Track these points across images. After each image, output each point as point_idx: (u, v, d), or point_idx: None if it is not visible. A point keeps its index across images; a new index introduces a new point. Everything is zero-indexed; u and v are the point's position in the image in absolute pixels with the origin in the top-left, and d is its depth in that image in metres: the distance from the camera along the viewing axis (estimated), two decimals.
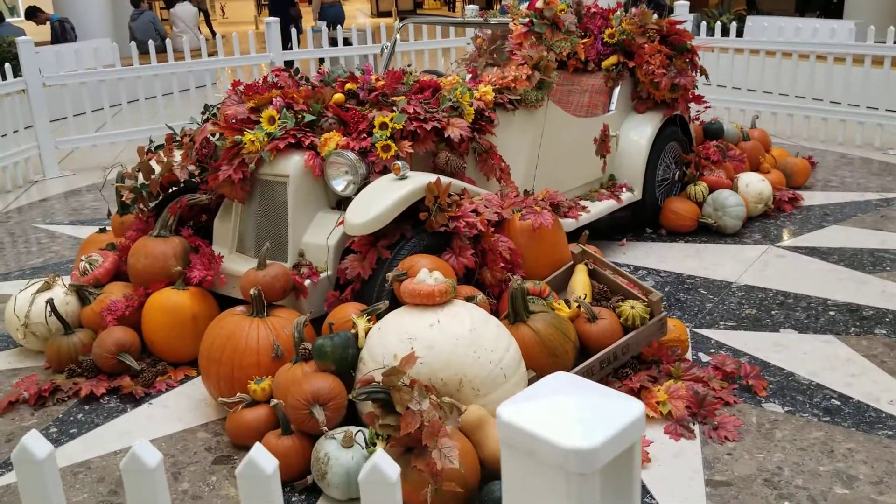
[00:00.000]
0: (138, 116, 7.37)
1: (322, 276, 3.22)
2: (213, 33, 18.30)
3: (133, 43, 7.37)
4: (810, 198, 5.42)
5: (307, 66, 8.23)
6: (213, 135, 3.54)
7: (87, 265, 3.63)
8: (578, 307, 3.09)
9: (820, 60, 7.01)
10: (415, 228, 3.14)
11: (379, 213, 2.99)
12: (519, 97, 3.87)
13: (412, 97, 3.56)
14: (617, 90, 4.70)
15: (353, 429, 2.57)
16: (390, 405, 2.34)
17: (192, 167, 3.65)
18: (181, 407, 3.15)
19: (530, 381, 2.74)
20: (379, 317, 2.87)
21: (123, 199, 3.74)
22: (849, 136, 6.88)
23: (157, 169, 3.61)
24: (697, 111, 5.35)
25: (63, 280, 3.68)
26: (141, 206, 3.72)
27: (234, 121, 3.40)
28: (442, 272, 2.89)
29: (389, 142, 3.25)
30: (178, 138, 3.79)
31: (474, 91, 3.71)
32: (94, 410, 3.15)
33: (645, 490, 2.53)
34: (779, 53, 7.25)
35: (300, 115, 3.38)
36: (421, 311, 2.70)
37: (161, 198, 3.75)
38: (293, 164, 3.30)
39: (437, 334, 2.61)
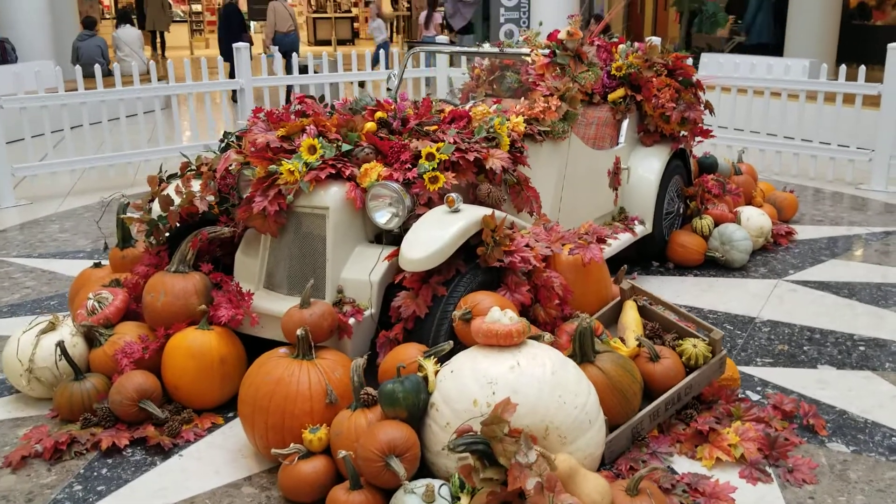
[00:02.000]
0: (82, 144, 7.00)
1: (366, 314, 3.03)
2: (164, 56, 17.85)
3: (78, 66, 6.97)
4: (801, 232, 5.49)
5: (276, 93, 8.00)
6: (238, 164, 3.33)
7: (96, 303, 3.34)
8: (639, 346, 2.98)
9: (792, 99, 7.18)
10: (467, 264, 3.00)
11: (440, 248, 2.84)
12: (548, 128, 3.78)
13: (447, 127, 3.42)
14: (625, 123, 4.67)
15: (435, 482, 2.39)
16: (490, 457, 2.18)
17: (210, 198, 3.43)
18: (217, 459, 2.90)
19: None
20: (442, 359, 2.71)
21: (136, 231, 3.47)
22: (820, 171, 7.05)
23: (176, 199, 3.37)
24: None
25: (64, 320, 3.37)
26: (153, 239, 3.45)
27: (266, 149, 3.19)
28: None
29: (438, 173, 3.11)
30: (194, 167, 3.55)
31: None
32: (119, 464, 2.87)
33: None
34: (751, 91, 7.40)
35: (338, 145, 3.20)
36: (497, 352, 2.55)
37: (173, 231, 3.50)
38: (333, 196, 3.11)
39: (519, 378, 2.46)
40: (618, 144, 4.63)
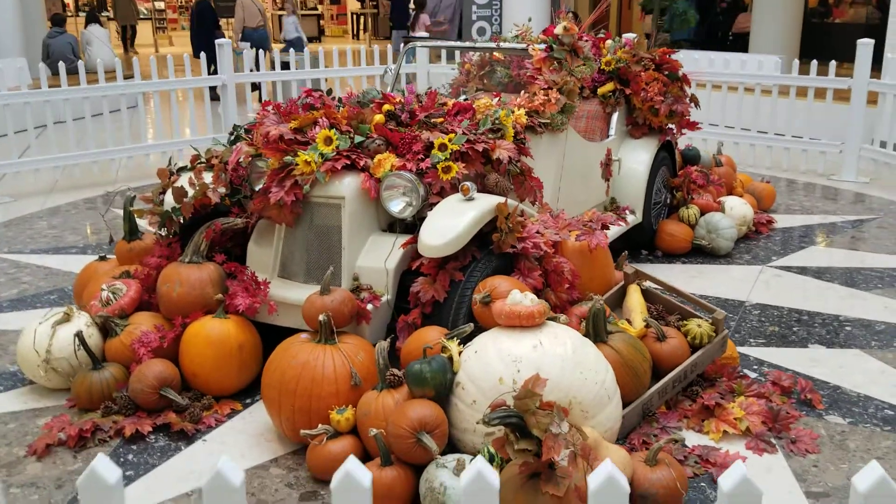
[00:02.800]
0: (65, 140, 6.97)
1: (382, 300, 3.12)
2: (134, 51, 17.68)
3: (61, 63, 6.90)
4: (779, 220, 5.68)
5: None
6: (251, 156, 3.39)
7: (111, 294, 3.38)
8: (647, 326, 3.11)
9: (765, 94, 7.40)
10: (481, 250, 3.10)
11: (457, 235, 2.94)
12: (548, 120, 3.90)
13: (452, 119, 3.52)
14: (615, 116, 4.81)
15: (465, 456, 2.48)
16: (523, 429, 2.28)
17: (222, 190, 3.48)
18: (241, 442, 2.97)
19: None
20: (463, 340, 2.81)
21: (149, 222, 3.51)
22: (793, 163, 7.27)
23: (190, 191, 3.42)
24: None
25: (77, 311, 3.40)
26: (165, 230, 3.50)
27: (279, 141, 3.26)
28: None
29: (451, 163, 3.20)
30: (204, 159, 3.60)
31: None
32: (145, 450, 2.92)
33: None
34: (725, 86, 7.61)
35: (350, 137, 3.28)
36: (519, 332, 2.65)
37: (186, 222, 3.55)
38: (348, 186, 3.19)
39: (542, 356, 2.57)
40: (608, 137, 4.77)
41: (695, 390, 3.10)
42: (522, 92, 3.97)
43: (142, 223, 3.90)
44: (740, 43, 14.62)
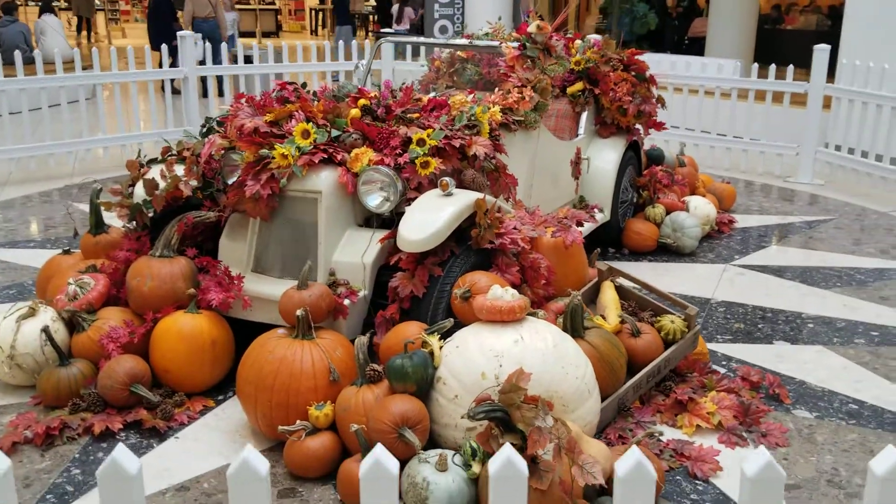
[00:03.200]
0: (20, 132, 6.79)
1: (359, 295, 3.10)
2: (90, 42, 17.32)
3: (17, 52, 6.71)
4: (740, 220, 5.79)
5: (219, 83, 7.91)
6: (224, 148, 3.34)
7: (78, 288, 3.30)
8: (622, 322, 3.15)
9: (724, 97, 7.53)
10: (459, 245, 3.10)
11: (437, 230, 2.93)
12: (521, 118, 3.92)
13: (428, 115, 3.51)
14: (584, 115, 4.85)
15: (447, 451, 2.48)
16: (508, 423, 2.29)
17: (194, 182, 3.42)
18: (215, 439, 2.92)
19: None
20: (443, 336, 2.81)
21: (118, 215, 3.44)
22: (750, 165, 7.42)
23: (161, 184, 3.35)
24: None
25: (42, 306, 3.32)
26: (134, 224, 3.43)
27: (254, 134, 3.22)
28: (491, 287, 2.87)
29: (429, 158, 3.20)
30: (175, 151, 3.54)
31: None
32: (115, 448, 2.85)
33: (727, 498, 2.61)
34: (686, 89, 7.73)
35: (328, 130, 3.26)
36: (500, 327, 2.66)
37: (156, 215, 3.48)
38: (325, 180, 3.17)
39: (523, 351, 2.58)
40: (577, 136, 4.81)
41: (668, 385, 3.15)
42: (497, 89, 3.99)
43: (108, 216, 3.81)
44: (696, 47, 14.88)
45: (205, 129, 3.59)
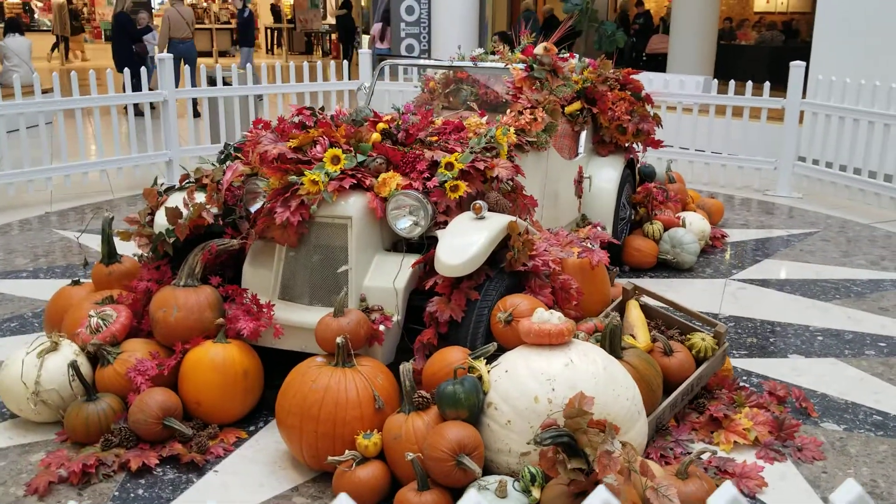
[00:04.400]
0: None
1: (393, 320, 3.08)
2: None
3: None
4: (729, 235, 5.90)
5: (199, 105, 7.80)
6: (245, 175, 3.31)
7: (100, 321, 3.22)
8: (653, 341, 3.18)
9: (702, 114, 7.69)
10: (492, 268, 3.10)
11: (476, 254, 2.93)
12: (535, 139, 3.95)
13: (448, 137, 3.52)
14: (583, 134, 4.91)
15: (505, 478, 2.48)
16: (573, 448, 2.30)
17: (214, 210, 3.38)
18: (255, 472, 2.87)
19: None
20: (488, 360, 2.80)
21: (138, 245, 3.37)
22: (729, 179, 7.58)
23: (185, 212, 3.30)
24: None
25: (62, 339, 3.23)
26: (155, 253, 3.37)
27: (280, 161, 3.19)
28: (533, 310, 2.88)
29: (458, 181, 3.20)
30: (193, 179, 3.49)
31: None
32: (154, 484, 2.79)
33: None
34: (663, 106, 7.86)
35: (354, 155, 3.24)
36: (548, 351, 2.67)
37: (177, 244, 3.42)
38: (355, 205, 3.15)
39: (575, 374, 2.59)
40: (577, 155, 4.86)
41: (701, 403, 3.18)
42: (508, 111, 4.01)
43: (121, 246, 3.73)
44: (654, 63, 15.17)
45: (223, 156, 3.54)
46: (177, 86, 7.62)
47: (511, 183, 3.64)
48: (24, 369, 3.05)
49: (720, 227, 6.05)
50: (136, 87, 7.14)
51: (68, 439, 3.02)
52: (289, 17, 27.77)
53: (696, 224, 5.38)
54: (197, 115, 8.87)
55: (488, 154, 3.55)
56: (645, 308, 3.47)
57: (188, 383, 3.06)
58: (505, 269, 3.11)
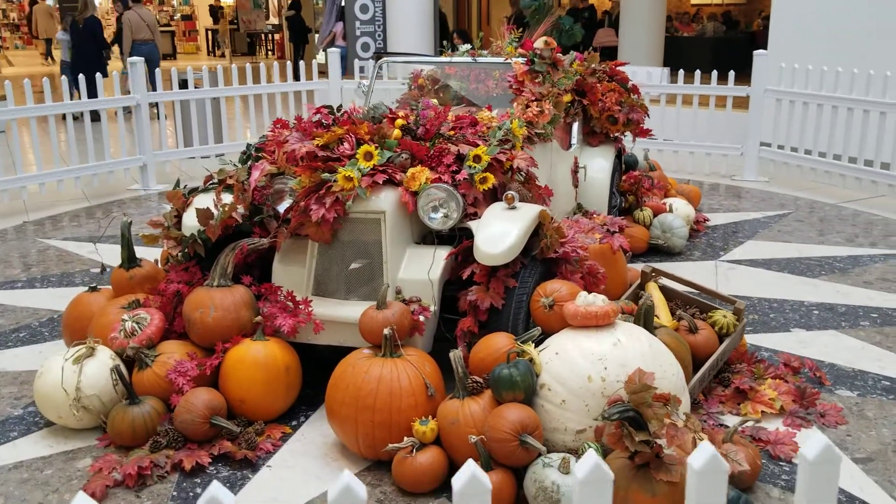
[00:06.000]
0: None
1: (431, 310, 3.16)
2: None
3: None
4: (711, 219, 6.12)
5: (170, 108, 7.72)
6: (272, 174, 3.34)
7: (135, 324, 3.21)
8: (679, 320, 3.32)
9: (670, 104, 7.92)
10: (524, 256, 3.20)
11: (514, 242, 3.03)
12: (542, 131, 4.06)
13: (465, 131, 3.60)
14: (575, 126, 5.04)
15: (567, 455, 2.57)
16: (638, 422, 2.40)
17: (241, 209, 3.39)
18: (308, 465, 2.91)
19: None
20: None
21: (167, 247, 3.36)
22: (697, 166, 7.82)
23: (215, 213, 3.31)
24: None
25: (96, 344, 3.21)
26: (183, 255, 3.37)
27: (310, 159, 3.23)
28: (573, 294, 2.99)
29: (487, 174, 3.29)
30: (217, 180, 3.49)
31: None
32: (210, 483, 2.80)
33: None
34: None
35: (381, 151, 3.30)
36: (594, 332, 2.78)
37: (209, 245, 3.42)
38: (388, 200, 3.21)
39: (624, 352, 2.70)
40: (571, 146, 4.99)
41: (725, 377, 3.33)
42: (515, 104, 4.11)
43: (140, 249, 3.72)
44: (603, 57, 15.50)
45: (245, 156, 3.55)
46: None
47: (524, 174, 3.74)
48: (64, 377, 3.03)
49: (699, 212, 6.26)
50: (92, 93, 7.00)
51: (112, 443, 3.02)
52: (230, 18, 27.37)
53: (682, 209, 5.56)
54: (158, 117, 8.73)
55: (505, 146, 3.64)
56: (664, 289, 3.61)
57: (231, 382, 3.08)
58: (537, 256, 3.21)
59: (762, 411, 3.17)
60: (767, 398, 3.20)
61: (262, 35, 26.67)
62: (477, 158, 3.31)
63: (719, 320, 3.37)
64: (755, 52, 7.30)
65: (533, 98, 4.16)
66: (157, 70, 7.99)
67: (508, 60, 4.38)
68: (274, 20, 26.61)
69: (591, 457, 1.45)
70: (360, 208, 3.21)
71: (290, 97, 8.26)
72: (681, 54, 15.01)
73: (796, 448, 2.93)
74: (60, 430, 3.15)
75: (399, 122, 3.57)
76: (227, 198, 3.40)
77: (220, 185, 3.46)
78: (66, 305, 4.29)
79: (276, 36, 26.38)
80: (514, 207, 3.19)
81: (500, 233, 3.06)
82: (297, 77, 8.21)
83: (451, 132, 3.59)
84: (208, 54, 28.93)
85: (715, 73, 7.55)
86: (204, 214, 3.28)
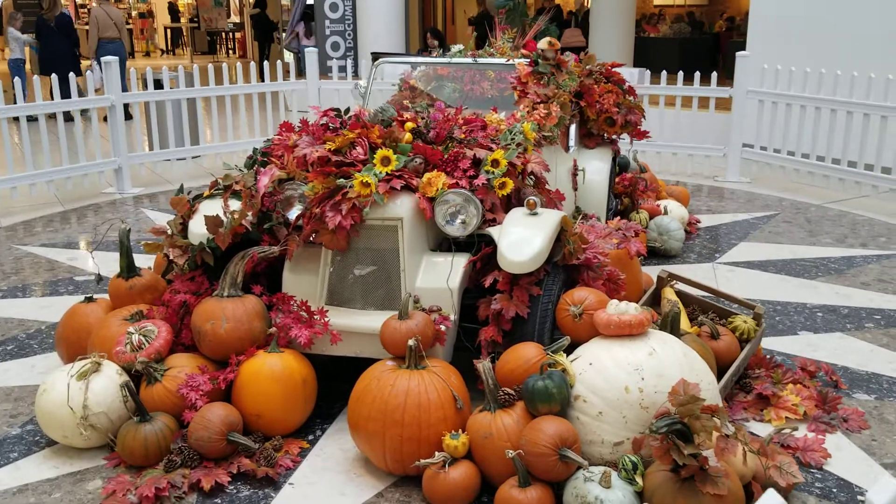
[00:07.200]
0: None
1: (452, 319, 3.07)
2: None
3: None
4: (701, 220, 6.12)
5: (143, 109, 7.51)
6: (280, 180, 3.23)
7: (143, 337, 3.07)
8: (700, 325, 3.28)
9: (652, 105, 7.92)
10: (547, 263, 3.12)
11: (540, 250, 2.95)
12: (550, 133, 3.99)
13: (476, 134, 3.52)
14: (573, 128, 4.99)
15: (608, 469, 2.51)
16: (684, 435, 2.35)
17: (249, 216, 3.27)
18: (331, 481, 2.81)
19: None
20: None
21: (174, 256, 3.22)
22: (680, 167, 7.84)
23: (224, 220, 3.18)
24: None
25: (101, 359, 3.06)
26: (190, 264, 3.23)
27: (322, 164, 3.12)
28: (601, 302, 2.93)
29: (506, 179, 3.21)
30: (222, 186, 3.36)
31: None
32: (233, 503, 2.69)
33: (848, 483, 2.77)
34: None
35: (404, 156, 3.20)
36: (628, 341, 2.72)
37: (217, 254, 3.28)
38: (405, 207, 3.11)
39: (660, 362, 2.65)
40: (569, 148, 4.93)
41: (746, 383, 3.30)
42: (521, 106, 4.04)
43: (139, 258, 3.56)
44: None
45: (251, 161, 3.42)
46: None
47: (534, 178, 3.68)
48: (69, 395, 2.88)
49: (690, 213, 6.26)
50: (66, 93, 6.77)
51: (122, 463, 2.88)
52: (190, 16, 26.90)
53: (675, 211, 5.55)
54: (128, 117, 8.45)
55: (518, 150, 3.57)
56: (680, 294, 3.57)
57: (246, 396, 2.96)
58: (558, 263, 3.14)
59: (786, 417, 3.15)
60: (791, 404, 3.17)
61: (223, 33, 26.27)
62: (495, 163, 3.23)
63: (740, 325, 3.34)
64: (738, 54, 7.34)
65: (538, 100, 4.10)
66: (133, 70, 7.76)
67: (511, 62, 4.31)
68: (235, 18, 26.22)
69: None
70: (377, 215, 3.10)
71: (268, 97, 8.09)
72: (647, 55, 15.14)
73: (826, 455, 2.90)
74: (64, 450, 2.99)
75: (409, 125, 3.47)
76: (235, 204, 3.27)
77: (227, 191, 3.32)
78: (53, 316, 4.18)
79: (238, 34, 25.99)
80: (535, 213, 3.12)
81: (524, 239, 2.98)
82: (261, 78, 8.05)
83: (463, 135, 3.50)
84: (166, 53, 28.37)
85: (697, 74, 7.57)
86: (213, 222, 3.15)
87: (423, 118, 3.52)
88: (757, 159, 7.45)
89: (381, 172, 3.09)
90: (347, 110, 3.55)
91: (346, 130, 3.28)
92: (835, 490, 2.73)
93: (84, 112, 8.64)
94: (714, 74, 7.54)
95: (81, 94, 6.91)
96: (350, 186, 3.06)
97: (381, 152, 3.11)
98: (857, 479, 2.79)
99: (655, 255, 5.23)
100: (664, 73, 7.80)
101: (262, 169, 3.31)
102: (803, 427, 3.12)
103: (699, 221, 5.96)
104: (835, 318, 4.23)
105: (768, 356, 3.52)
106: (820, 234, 5.77)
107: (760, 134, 7.40)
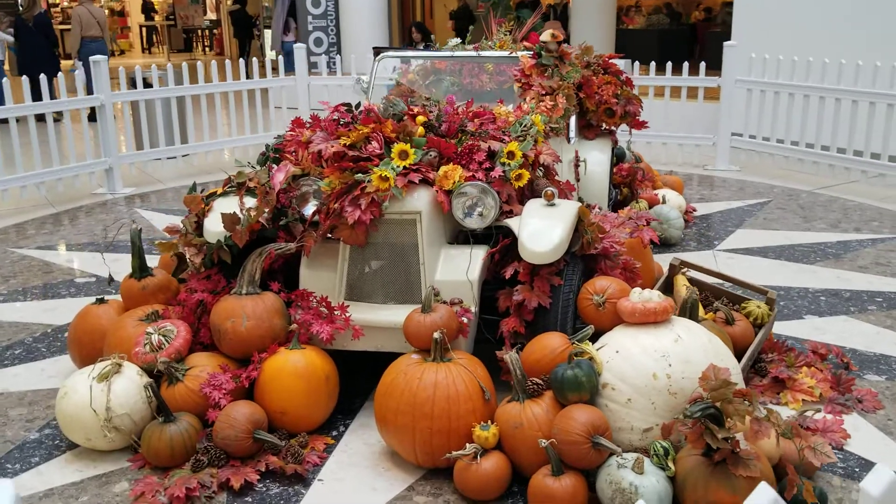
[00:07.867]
0: None
1: (473, 311, 3.08)
2: None
3: None
4: (697, 209, 6.17)
5: (130, 108, 7.43)
6: (295, 176, 3.22)
7: (162, 337, 3.05)
8: (715, 311, 3.31)
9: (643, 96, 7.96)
10: (565, 253, 3.14)
11: (561, 240, 2.97)
12: (556, 125, 4.01)
13: (487, 127, 3.53)
14: (573, 119, 5.01)
15: (641, 455, 2.53)
16: (717, 419, 2.38)
17: (265, 213, 3.25)
18: (361, 476, 2.81)
19: None
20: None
21: (190, 255, 3.20)
22: (671, 156, 7.90)
23: (241, 218, 3.16)
24: None
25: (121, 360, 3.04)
26: (207, 262, 3.22)
27: (339, 159, 3.11)
28: (623, 291, 2.96)
29: (522, 171, 3.22)
30: (236, 183, 3.34)
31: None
32: (264, 501, 2.68)
33: (870, 464, 2.82)
34: None
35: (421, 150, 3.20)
36: (653, 328, 2.74)
37: (235, 252, 3.27)
38: (422, 200, 3.12)
39: (686, 348, 2.67)
40: (570, 139, 4.95)
41: (761, 367, 3.34)
42: (528, 98, 4.05)
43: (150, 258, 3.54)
44: None
45: (264, 157, 3.41)
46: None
47: (544, 169, 3.69)
48: (92, 397, 2.85)
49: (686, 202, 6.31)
50: (38, 95, 6.67)
51: (147, 464, 2.86)
52: (165, 14, 26.63)
53: (673, 200, 5.59)
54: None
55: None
56: (692, 281, 3.60)
57: (270, 393, 2.95)
58: (576, 253, 3.16)
59: (802, 399, 3.19)
60: (806, 386, 3.22)
61: (199, 31, 26.06)
62: (511, 155, 3.24)
63: (753, 311, 3.38)
64: (725, 44, 7.40)
65: (544, 92, 4.11)
66: (122, 69, 7.67)
67: (515, 54, 4.32)
68: (212, 15, 26.01)
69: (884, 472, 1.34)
70: (395, 209, 3.10)
71: (257, 94, 8.04)
72: (627, 46, 15.24)
73: (846, 435, 2.95)
74: (86, 453, 2.97)
75: (420, 118, 3.47)
76: (250, 201, 3.25)
77: (241, 188, 3.30)
78: (58, 319, 4.15)
79: (215, 31, 25.78)
80: (552, 204, 3.14)
81: (544, 230, 3.00)
82: (249, 75, 8.00)
83: (474, 128, 3.51)
84: (143, 51, 28.08)
85: (686, 64, 7.62)
86: (230, 219, 3.13)
87: (432, 111, 3.52)
88: (746, 148, 7.53)
89: (398, 166, 3.09)
90: (358, 105, 3.54)
91: (359, 125, 3.28)
92: (857, 469, 2.78)
93: (59, 113, 8.51)
94: (703, 65, 7.59)
95: (53, 95, 6.78)
96: (368, 181, 3.06)
97: (398, 146, 3.11)
98: (877, 458, 2.84)
99: (655, 243, 5.26)
100: (653, 63, 7.84)
101: (274, 165, 3.30)
102: (819, 409, 3.17)
103: (695, 210, 6.02)
104: (838, 301, 4.29)
105: (779, 340, 3.57)
106: (814, 220, 5.85)
107: (749, 122, 7.47)
